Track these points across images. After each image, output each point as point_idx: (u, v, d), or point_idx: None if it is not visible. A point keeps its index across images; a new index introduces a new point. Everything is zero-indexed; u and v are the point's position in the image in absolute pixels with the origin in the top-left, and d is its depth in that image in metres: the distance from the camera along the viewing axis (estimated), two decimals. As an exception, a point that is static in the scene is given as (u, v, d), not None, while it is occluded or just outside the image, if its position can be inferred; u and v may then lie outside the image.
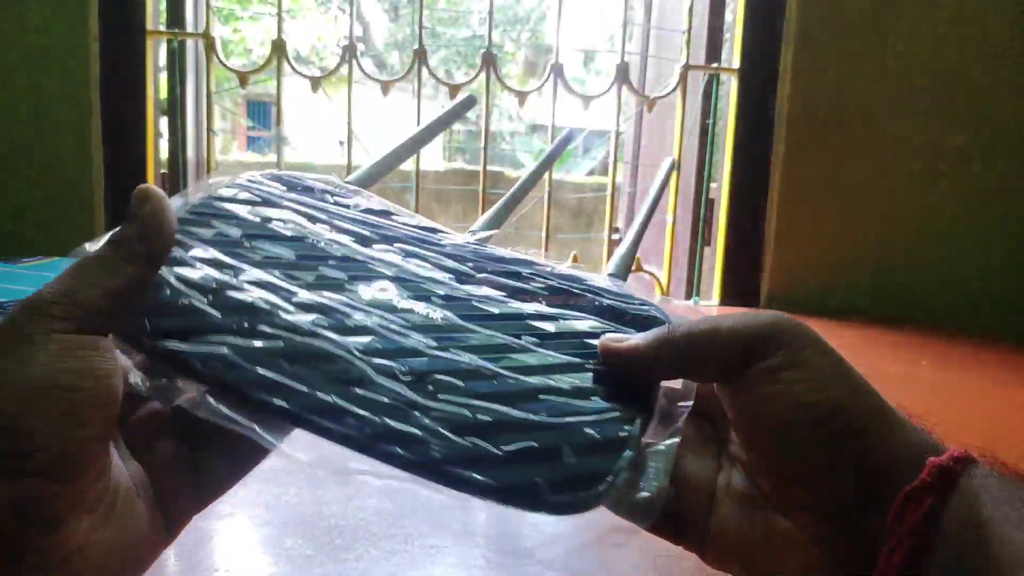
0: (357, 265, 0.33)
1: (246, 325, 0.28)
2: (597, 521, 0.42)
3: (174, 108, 1.29)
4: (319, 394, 0.27)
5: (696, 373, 0.31)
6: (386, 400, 0.27)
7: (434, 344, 0.30)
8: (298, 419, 0.26)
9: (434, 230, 0.37)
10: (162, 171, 1.23)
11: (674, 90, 1.28)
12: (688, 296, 1.35)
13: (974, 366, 0.93)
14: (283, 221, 0.34)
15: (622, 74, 1.27)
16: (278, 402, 0.26)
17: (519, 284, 0.34)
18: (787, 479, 0.27)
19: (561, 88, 1.27)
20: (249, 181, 0.37)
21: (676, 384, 0.31)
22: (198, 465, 0.28)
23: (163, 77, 1.28)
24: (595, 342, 0.31)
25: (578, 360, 0.31)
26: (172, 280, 0.30)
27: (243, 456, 0.29)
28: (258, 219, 0.34)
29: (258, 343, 0.28)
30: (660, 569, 0.39)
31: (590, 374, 0.30)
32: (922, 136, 1.19)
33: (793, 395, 0.27)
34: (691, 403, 0.30)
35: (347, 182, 0.40)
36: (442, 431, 0.27)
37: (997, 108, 1.17)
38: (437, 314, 0.31)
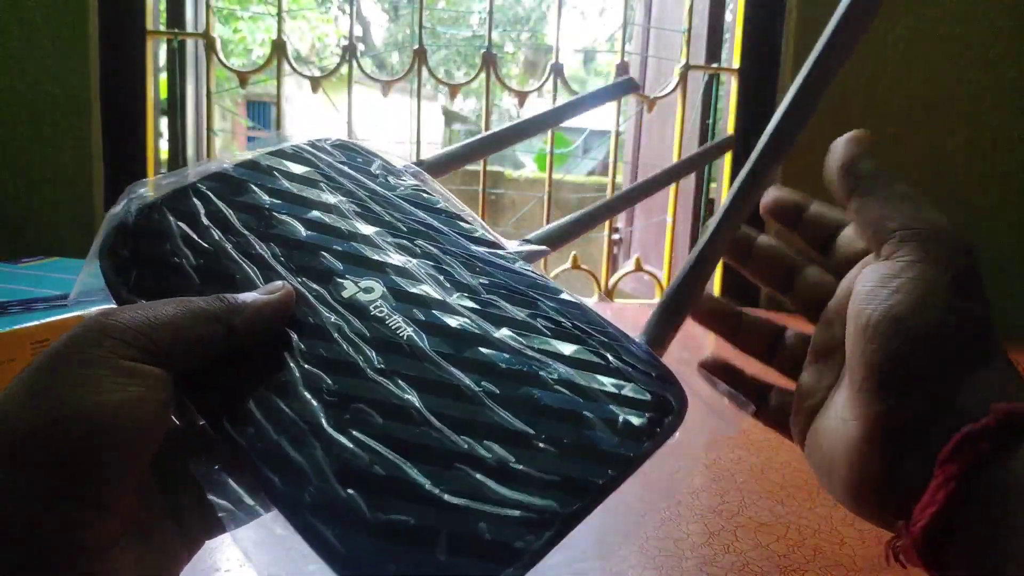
0: (358, 257, 0.31)
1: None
2: (597, 520, 0.42)
3: (174, 108, 1.29)
4: (244, 401, 0.25)
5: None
6: (293, 417, 0.25)
7: (380, 366, 0.27)
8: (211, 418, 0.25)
9: (472, 235, 0.33)
10: (162, 171, 1.23)
11: (674, 90, 1.28)
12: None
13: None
14: (317, 194, 0.33)
15: (622, 74, 1.27)
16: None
17: (523, 316, 0.29)
18: (886, 397, 0.27)
19: (561, 88, 1.27)
20: (311, 144, 0.36)
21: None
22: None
23: (163, 77, 1.28)
24: (555, 401, 0.26)
25: (528, 429, 0.26)
26: (176, 232, 0.30)
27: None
28: (293, 189, 0.33)
29: None
30: (660, 569, 0.39)
31: (533, 449, 0.25)
32: (922, 136, 1.19)
33: (895, 310, 0.27)
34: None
35: (421, 162, 0.38)
36: (327, 471, 0.24)
37: (997, 108, 1.17)
38: (404, 333, 0.28)
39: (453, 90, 1.31)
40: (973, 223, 1.20)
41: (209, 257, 0.30)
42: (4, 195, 1.08)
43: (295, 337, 0.27)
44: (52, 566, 0.21)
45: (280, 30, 1.21)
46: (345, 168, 0.35)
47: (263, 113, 8.57)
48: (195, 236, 0.30)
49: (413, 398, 0.26)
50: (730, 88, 1.28)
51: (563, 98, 1.28)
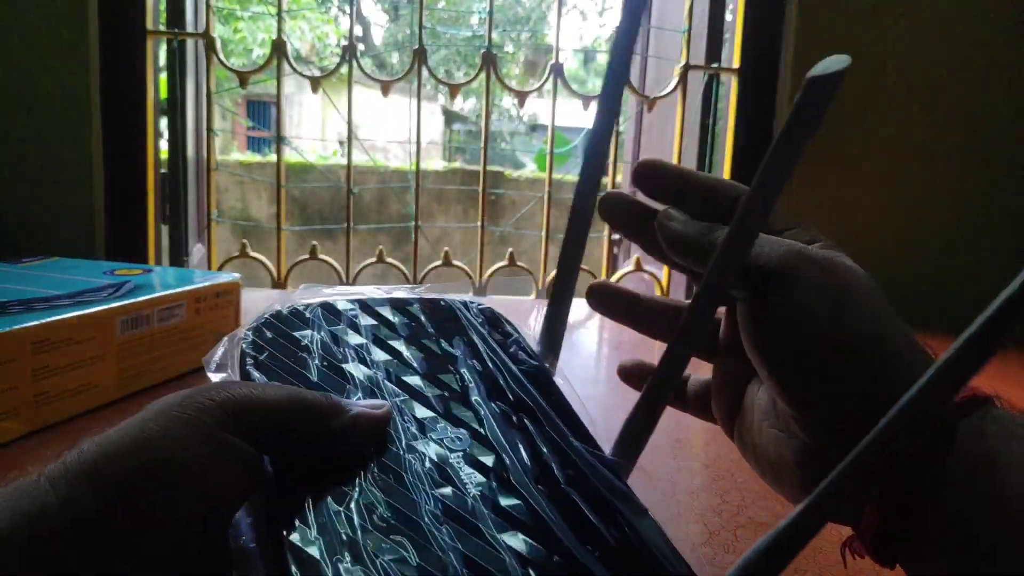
0: (459, 408, 0.33)
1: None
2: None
3: (174, 108, 1.29)
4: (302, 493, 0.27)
5: (726, 281, 0.31)
6: (336, 525, 0.26)
7: (436, 512, 0.28)
8: None
9: (576, 426, 0.33)
10: (162, 171, 1.23)
11: (674, 90, 1.28)
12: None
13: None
14: (444, 346, 0.37)
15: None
16: None
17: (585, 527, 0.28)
18: (797, 403, 0.28)
19: (561, 88, 1.27)
20: (462, 304, 0.41)
21: None
22: None
23: (163, 77, 1.28)
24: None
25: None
26: (317, 333, 0.35)
27: None
28: (425, 340, 0.37)
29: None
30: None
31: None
32: (922, 136, 1.19)
33: (799, 330, 0.28)
34: None
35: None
36: None
37: (996, 109, 1.17)
38: (471, 491, 0.29)
39: (453, 90, 1.31)
40: (972, 223, 1.20)
41: (334, 366, 0.32)
42: (3, 195, 1.08)
43: (375, 457, 0.29)
44: None
45: (280, 30, 1.21)
46: (482, 331, 0.39)
47: (263, 113, 8.59)
48: (331, 343, 0.34)
49: (452, 554, 0.26)
50: (730, 88, 1.28)
51: (563, 98, 1.28)
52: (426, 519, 0.27)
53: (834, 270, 0.30)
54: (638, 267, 1.30)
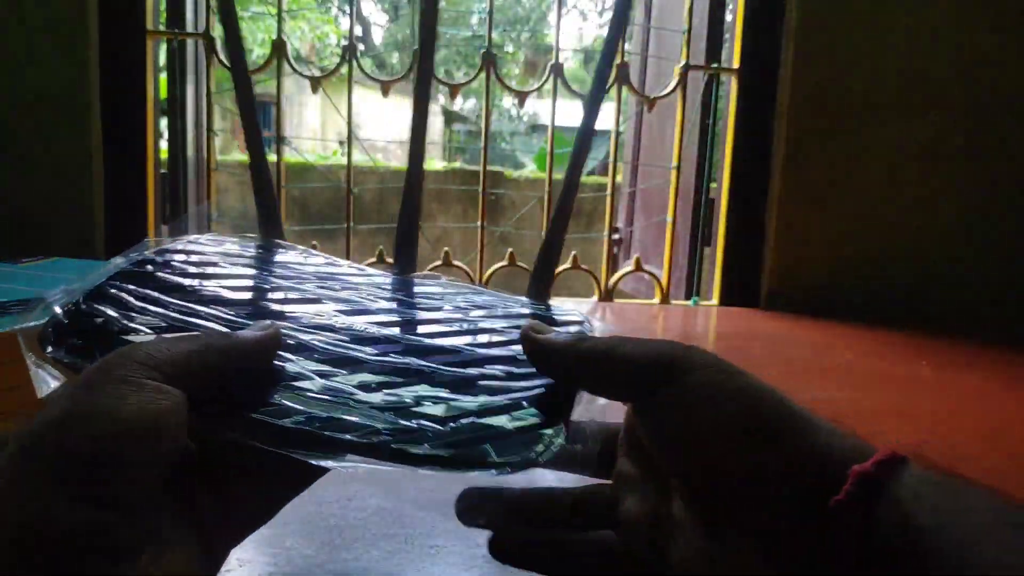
0: (295, 291, 0.37)
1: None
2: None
3: (174, 108, 1.29)
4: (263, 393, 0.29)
5: (598, 387, 0.32)
6: (333, 400, 0.29)
7: (375, 352, 0.33)
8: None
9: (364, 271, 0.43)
10: (162, 171, 1.23)
11: (674, 90, 1.28)
12: (688, 296, 1.35)
13: (974, 366, 0.93)
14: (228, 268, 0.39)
15: (622, 74, 1.27)
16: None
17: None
18: (711, 498, 0.27)
19: (561, 88, 1.27)
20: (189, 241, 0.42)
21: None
22: (234, 502, 0.30)
23: (163, 77, 1.28)
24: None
25: (509, 354, 0.34)
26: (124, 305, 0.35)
27: (276, 492, 0.31)
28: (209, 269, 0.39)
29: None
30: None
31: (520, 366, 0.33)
32: (922, 136, 1.19)
33: (694, 416, 0.27)
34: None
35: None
36: (388, 416, 0.29)
37: (997, 108, 1.17)
38: (373, 329, 0.35)
39: (453, 90, 1.31)
40: (972, 224, 1.20)
41: (169, 319, 0.33)
42: (4, 195, 1.08)
43: (289, 356, 0.32)
44: (81, 569, 0.22)
45: (280, 30, 1.21)
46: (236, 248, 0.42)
47: (263, 113, 8.58)
48: (147, 306, 0.34)
49: (416, 360, 0.33)
50: (730, 88, 1.28)
51: (563, 98, 1.28)
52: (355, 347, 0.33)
53: (712, 355, 0.30)
54: (638, 267, 1.30)
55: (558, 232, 0.49)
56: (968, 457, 0.58)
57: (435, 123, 8.72)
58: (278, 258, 0.42)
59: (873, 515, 0.23)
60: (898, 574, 0.22)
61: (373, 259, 1.28)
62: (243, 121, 0.52)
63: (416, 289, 0.42)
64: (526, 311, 0.42)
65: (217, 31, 1.21)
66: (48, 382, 0.32)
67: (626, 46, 1.29)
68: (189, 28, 1.27)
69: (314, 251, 0.45)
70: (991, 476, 0.55)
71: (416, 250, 0.50)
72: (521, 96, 1.29)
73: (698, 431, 0.27)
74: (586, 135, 0.49)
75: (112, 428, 0.24)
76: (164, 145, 1.29)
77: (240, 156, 5.38)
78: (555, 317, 0.42)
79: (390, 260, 1.28)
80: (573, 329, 0.39)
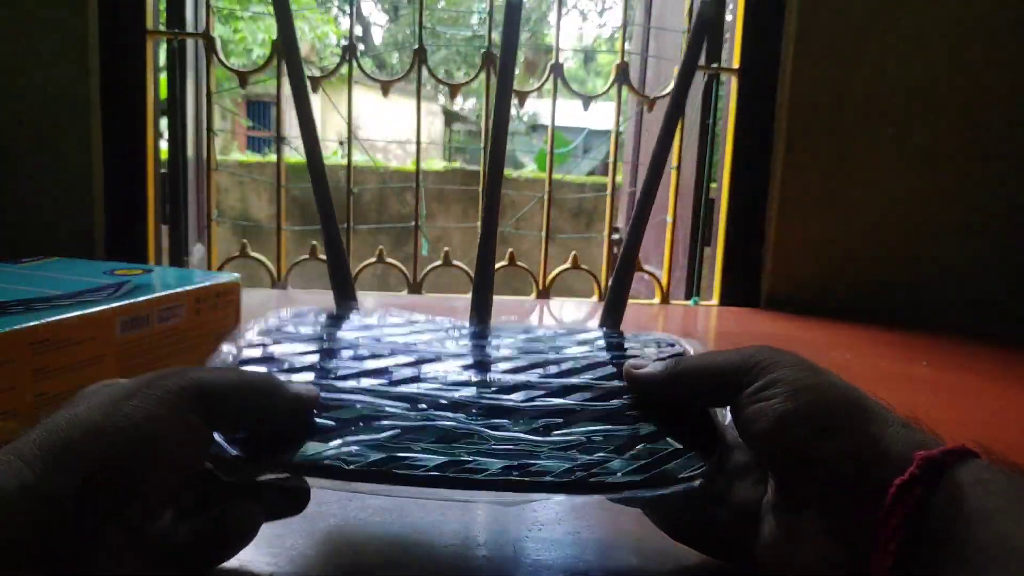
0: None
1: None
2: (595, 519, 0.42)
3: (174, 108, 1.29)
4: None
5: (699, 398, 0.36)
6: (514, 449, 0.33)
7: (523, 399, 0.37)
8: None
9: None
10: (162, 171, 1.23)
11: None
12: (688, 296, 1.35)
13: (974, 366, 0.93)
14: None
15: (622, 74, 1.27)
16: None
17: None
18: (790, 481, 0.31)
19: (561, 88, 1.27)
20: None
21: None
22: (225, 522, 0.32)
23: (163, 77, 1.28)
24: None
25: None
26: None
27: (262, 514, 0.34)
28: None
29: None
30: (663, 566, 0.39)
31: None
32: (922, 136, 1.19)
33: (772, 408, 0.31)
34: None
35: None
36: (571, 454, 0.33)
37: (997, 110, 1.17)
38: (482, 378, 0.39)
39: (453, 90, 1.31)
40: (972, 225, 1.20)
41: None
42: (4, 195, 1.08)
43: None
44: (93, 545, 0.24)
45: (280, 30, 1.21)
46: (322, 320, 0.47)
47: (263, 113, 8.59)
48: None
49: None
50: (730, 88, 1.28)
51: (563, 98, 1.28)
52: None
53: (790, 354, 0.34)
54: (638, 267, 1.30)
55: (628, 268, 0.51)
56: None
57: (435, 123, 8.71)
58: (368, 323, 0.46)
59: (932, 496, 0.25)
60: (948, 553, 0.24)
61: (373, 259, 1.28)
62: (313, 182, 0.52)
63: (508, 337, 0.46)
64: (624, 341, 0.46)
65: (217, 31, 1.21)
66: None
67: (626, 46, 1.29)
68: (189, 28, 1.27)
69: (391, 311, 0.49)
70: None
71: (492, 299, 0.51)
72: (521, 96, 1.29)
73: (779, 421, 0.30)
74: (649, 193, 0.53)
75: (133, 438, 0.26)
76: (164, 145, 1.29)
77: (240, 156, 5.38)
78: (648, 342, 0.45)
79: (391, 260, 1.28)
80: (667, 355, 0.42)
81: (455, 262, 1.29)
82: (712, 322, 1.15)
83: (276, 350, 0.41)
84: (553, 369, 0.40)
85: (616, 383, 0.39)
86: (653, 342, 0.45)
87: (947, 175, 1.20)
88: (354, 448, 0.32)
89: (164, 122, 1.28)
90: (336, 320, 0.46)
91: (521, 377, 0.38)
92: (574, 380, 0.39)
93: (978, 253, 1.21)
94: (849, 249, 1.22)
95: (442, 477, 0.31)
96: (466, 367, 0.40)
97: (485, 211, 0.52)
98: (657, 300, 1.31)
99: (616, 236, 1.50)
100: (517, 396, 0.37)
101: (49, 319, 0.55)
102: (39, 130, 1.08)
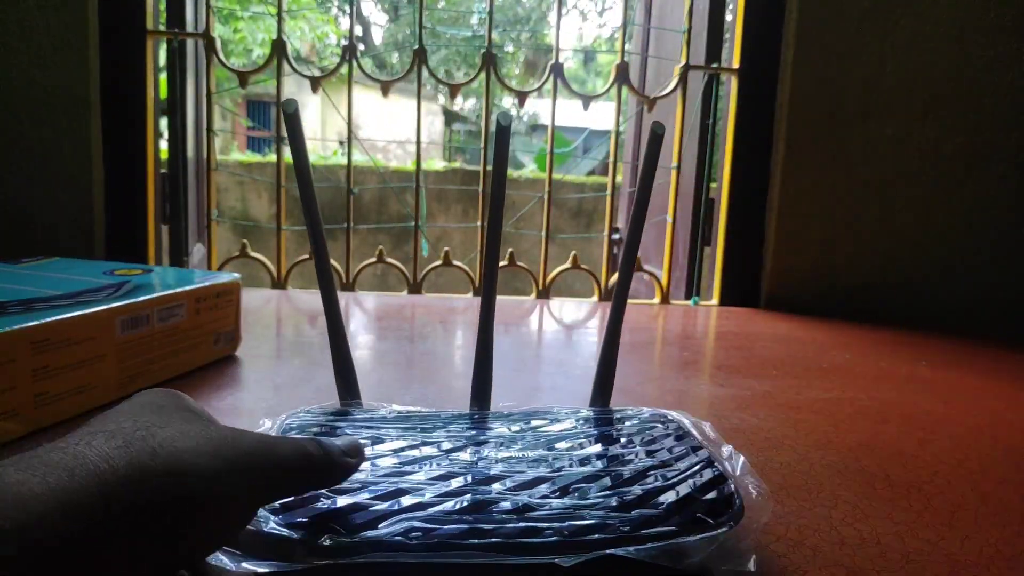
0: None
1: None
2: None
3: (174, 108, 1.29)
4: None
5: None
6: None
7: (555, 470, 0.42)
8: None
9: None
10: (162, 171, 1.23)
11: (674, 90, 1.28)
12: (688, 296, 1.35)
13: (973, 365, 0.93)
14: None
15: (622, 74, 1.27)
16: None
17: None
18: None
19: (561, 88, 1.27)
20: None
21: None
22: None
23: (163, 77, 1.28)
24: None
25: (623, 452, 0.45)
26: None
27: None
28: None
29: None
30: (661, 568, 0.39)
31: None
32: (922, 136, 1.19)
33: None
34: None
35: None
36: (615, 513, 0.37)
37: (997, 109, 1.17)
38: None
39: (453, 90, 1.31)
40: (972, 224, 1.20)
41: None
42: (4, 195, 1.08)
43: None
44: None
45: (280, 30, 1.21)
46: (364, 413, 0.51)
47: (263, 113, 8.58)
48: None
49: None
50: (730, 88, 1.28)
51: (563, 98, 1.28)
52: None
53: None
54: (638, 267, 1.30)
55: (613, 345, 0.54)
56: (968, 453, 0.58)
57: (435, 123, 8.71)
58: (376, 417, 0.49)
59: None
60: None
61: (373, 259, 1.28)
62: (318, 274, 0.50)
63: (509, 422, 0.49)
64: (616, 416, 0.51)
65: (217, 31, 1.21)
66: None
67: (626, 46, 1.29)
68: (189, 28, 1.27)
69: (390, 405, 0.51)
70: (989, 471, 0.55)
71: (491, 387, 0.53)
72: (521, 96, 1.29)
73: None
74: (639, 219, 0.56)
75: (192, 496, 0.26)
76: (164, 145, 1.29)
77: (240, 156, 5.38)
78: (640, 422, 0.50)
79: (390, 260, 1.28)
80: (660, 434, 0.48)
81: (455, 262, 1.29)
82: (712, 322, 1.15)
83: None
84: (568, 444, 0.45)
85: (620, 450, 0.45)
86: (647, 419, 0.50)
87: (947, 175, 1.20)
88: (409, 523, 0.35)
89: (164, 122, 1.28)
90: (361, 416, 0.49)
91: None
92: (588, 451, 0.44)
93: (978, 253, 1.20)
94: (849, 249, 1.22)
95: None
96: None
97: (484, 301, 0.53)
98: (657, 300, 1.31)
99: (616, 236, 1.50)
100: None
101: (49, 319, 0.55)
102: (39, 130, 1.08)
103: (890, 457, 0.58)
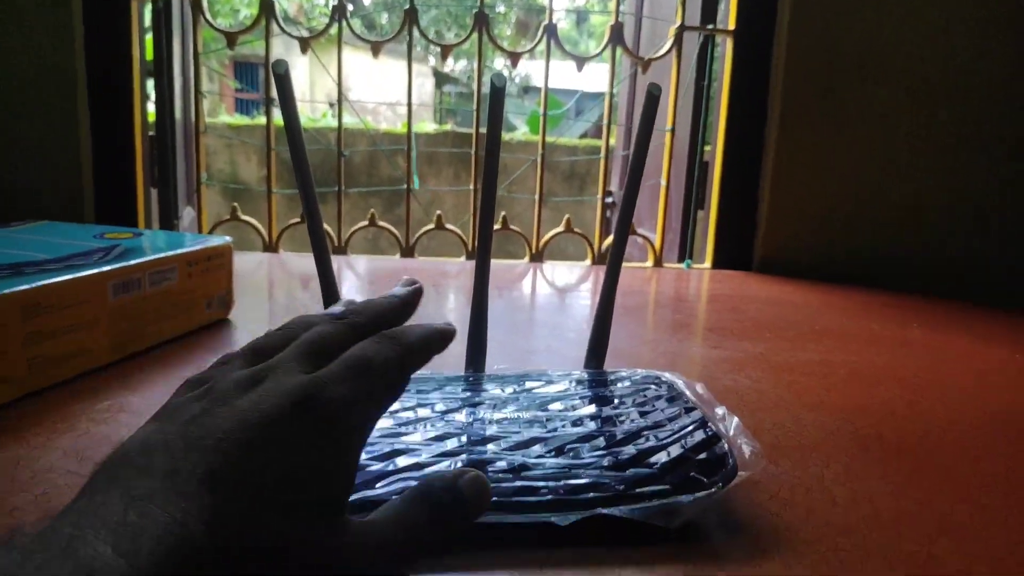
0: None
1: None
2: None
3: (160, 70, 1.27)
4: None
5: None
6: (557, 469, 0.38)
7: (550, 430, 0.43)
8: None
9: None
10: (149, 133, 1.21)
11: (668, 51, 1.27)
12: (681, 259, 1.35)
13: (962, 329, 0.94)
14: None
15: (616, 35, 1.25)
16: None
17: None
18: None
19: (554, 49, 1.25)
20: None
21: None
22: None
23: (149, 38, 1.25)
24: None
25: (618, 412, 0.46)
26: None
27: None
28: None
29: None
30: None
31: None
32: (918, 101, 1.18)
33: None
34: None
35: None
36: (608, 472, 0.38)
37: (985, 92, 1.16)
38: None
39: (444, 51, 1.29)
40: (959, 205, 1.20)
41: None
42: (-10, 158, 1.06)
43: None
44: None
45: (268, -11, 1.18)
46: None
47: (251, 74, 8.46)
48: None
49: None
50: (725, 49, 1.27)
51: (556, 59, 1.26)
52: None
53: None
54: (632, 231, 1.30)
55: (608, 308, 0.55)
56: (958, 414, 0.59)
57: (426, 85, 8.61)
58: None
59: None
60: None
61: (365, 222, 1.27)
62: (312, 237, 0.49)
63: (504, 384, 0.50)
64: (610, 377, 0.52)
65: (203, -10, 1.19)
66: None
67: (620, 7, 1.27)
68: (175, -14, 1.24)
69: None
70: (976, 433, 0.55)
71: (485, 350, 0.54)
72: (514, 57, 1.27)
73: None
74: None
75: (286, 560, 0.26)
76: (151, 107, 1.27)
77: (228, 118, 5.31)
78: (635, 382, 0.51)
79: (382, 224, 1.27)
80: (653, 395, 0.49)
81: (448, 225, 1.28)
82: (705, 285, 1.15)
83: None
84: (564, 404, 0.46)
85: (613, 410, 0.46)
86: (640, 380, 0.51)
87: (943, 140, 1.19)
88: (406, 483, 0.36)
89: (151, 84, 1.26)
90: None
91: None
92: (584, 411, 0.45)
93: (968, 220, 1.21)
94: (843, 213, 1.22)
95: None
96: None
97: (478, 271, 0.53)
98: (650, 263, 1.31)
99: (610, 199, 1.49)
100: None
101: (39, 283, 0.54)
102: (24, 94, 1.06)
103: (882, 418, 0.58)
